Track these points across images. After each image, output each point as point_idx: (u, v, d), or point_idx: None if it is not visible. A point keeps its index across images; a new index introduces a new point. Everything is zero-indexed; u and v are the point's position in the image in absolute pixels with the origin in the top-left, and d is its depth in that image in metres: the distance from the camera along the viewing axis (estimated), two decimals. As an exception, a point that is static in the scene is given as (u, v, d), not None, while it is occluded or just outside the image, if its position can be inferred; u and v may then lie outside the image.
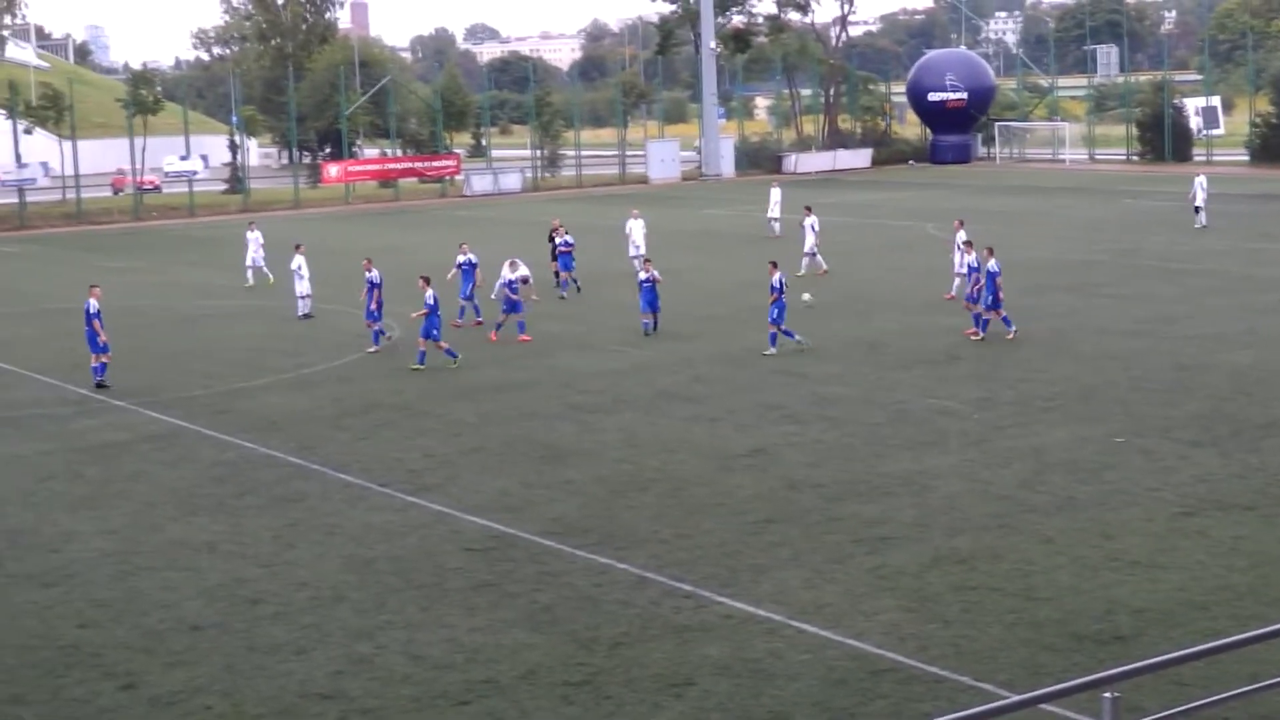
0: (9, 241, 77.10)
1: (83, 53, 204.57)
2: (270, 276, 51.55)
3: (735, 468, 26.34)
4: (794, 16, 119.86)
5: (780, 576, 20.43)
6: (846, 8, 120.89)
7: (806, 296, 40.28)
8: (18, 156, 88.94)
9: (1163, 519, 22.66)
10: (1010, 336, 37.59)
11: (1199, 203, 62.03)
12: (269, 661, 18.05)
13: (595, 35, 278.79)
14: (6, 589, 21.14)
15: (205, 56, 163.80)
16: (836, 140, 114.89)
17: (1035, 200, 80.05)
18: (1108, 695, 8.72)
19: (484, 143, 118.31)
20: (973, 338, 37.74)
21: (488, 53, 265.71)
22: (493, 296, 41.96)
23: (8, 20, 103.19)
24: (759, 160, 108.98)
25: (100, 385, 34.91)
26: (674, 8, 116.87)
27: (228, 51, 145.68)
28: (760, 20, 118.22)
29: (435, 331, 36.09)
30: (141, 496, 25.83)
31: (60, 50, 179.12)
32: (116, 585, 21.13)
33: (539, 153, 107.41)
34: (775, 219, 62.61)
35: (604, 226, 64.00)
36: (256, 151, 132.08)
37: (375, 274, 38.84)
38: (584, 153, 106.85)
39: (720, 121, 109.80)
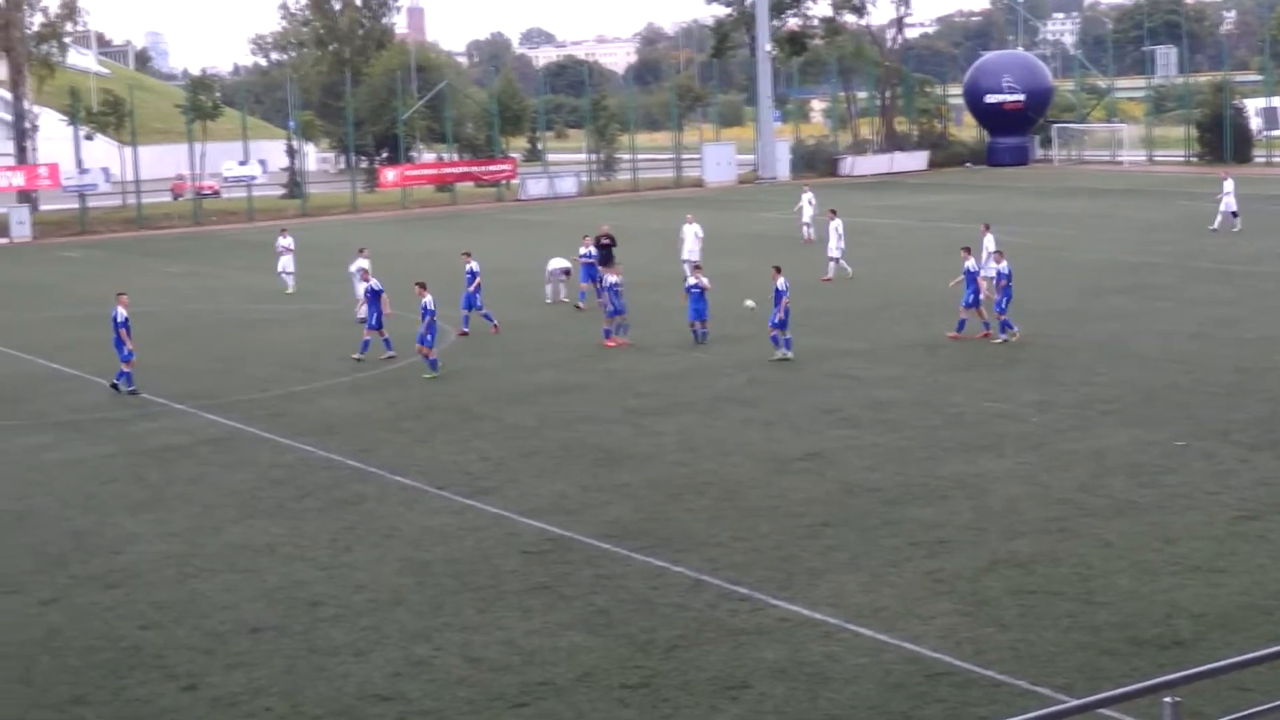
0: (71, 246, 77.77)
1: (143, 59, 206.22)
2: (289, 288, 51.66)
3: (791, 471, 26.32)
4: (850, 19, 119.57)
5: (837, 580, 20.41)
6: (902, 10, 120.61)
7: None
8: (79, 162, 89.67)
9: (1223, 523, 22.52)
10: (981, 335, 37.96)
11: (1227, 207, 61.43)
12: (328, 663, 18.16)
13: (650, 39, 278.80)
14: (70, 590, 21.33)
15: (263, 62, 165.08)
16: (893, 143, 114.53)
17: (1093, 202, 79.65)
18: (1169, 700, 8.69)
19: (540, 147, 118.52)
20: (994, 340, 37.57)
21: (543, 57, 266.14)
22: (599, 303, 41.46)
23: (69, 28, 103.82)
24: (815, 163, 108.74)
25: (132, 391, 35.08)
26: (729, 11, 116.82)
27: (285, 57, 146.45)
28: (816, 23, 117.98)
29: (429, 337, 35.78)
30: (201, 499, 26.02)
31: (120, 57, 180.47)
32: (178, 587, 21.29)
33: (594, 156, 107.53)
34: (807, 224, 62.24)
35: (659, 230, 64.06)
36: (314, 156, 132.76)
37: (374, 283, 38.67)
38: (639, 156, 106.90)
39: (776, 124, 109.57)
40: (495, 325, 42.17)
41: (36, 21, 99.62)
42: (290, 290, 51.59)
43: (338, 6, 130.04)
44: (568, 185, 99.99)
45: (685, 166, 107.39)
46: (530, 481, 26.29)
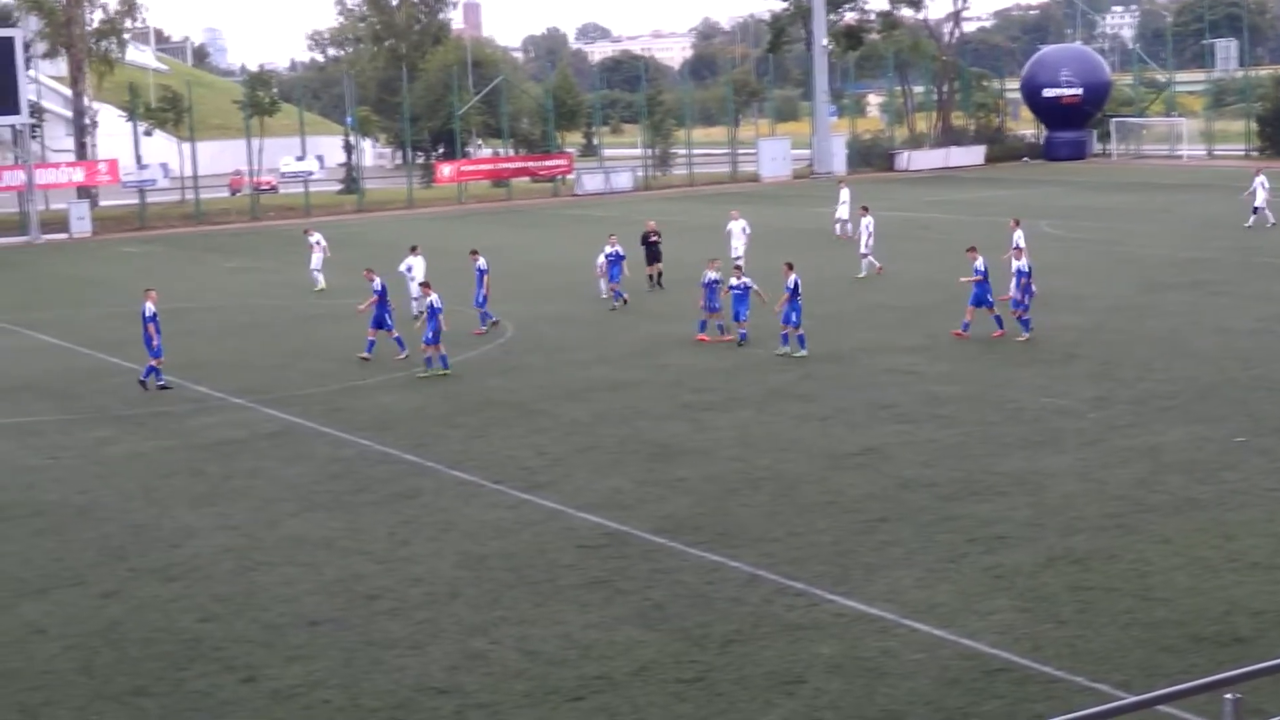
0: (130, 242, 78.32)
1: (201, 55, 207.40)
2: (318, 285, 51.85)
3: (847, 466, 26.29)
4: (907, 13, 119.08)
5: (893, 575, 20.39)
6: (960, 3, 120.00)
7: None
8: (138, 158, 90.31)
9: (1282, 519, 22.38)
10: (996, 335, 37.81)
11: (1258, 203, 60.92)
12: (386, 656, 18.25)
13: (706, 33, 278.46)
14: (130, 583, 21.51)
15: (320, 58, 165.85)
16: (950, 137, 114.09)
17: (1151, 197, 79.18)
18: (1229, 696, 8.65)
19: (595, 142, 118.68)
20: (1019, 338, 37.39)
21: (599, 52, 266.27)
22: (709, 303, 40.35)
23: (128, 24, 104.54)
24: (871, 158, 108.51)
25: (162, 386, 35.36)
26: (786, 5, 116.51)
27: (342, 53, 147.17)
28: (873, 17, 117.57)
29: (435, 336, 35.59)
30: (260, 493, 26.19)
31: (179, 53, 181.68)
32: (237, 580, 21.44)
33: (650, 152, 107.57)
34: (844, 219, 61.79)
35: (713, 225, 63.98)
36: (371, 152, 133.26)
37: (379, 282, 38.48)
38: (695, 151, 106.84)
39: (832, 119, 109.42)
40: (484, 329, 41.79)
41: (96, 18, 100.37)
42: (320, 287, 51.75)
43: (394, 2, 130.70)
44: (623, 180, 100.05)
45: (741, 162, 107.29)
46: (586, 476, 26.35)
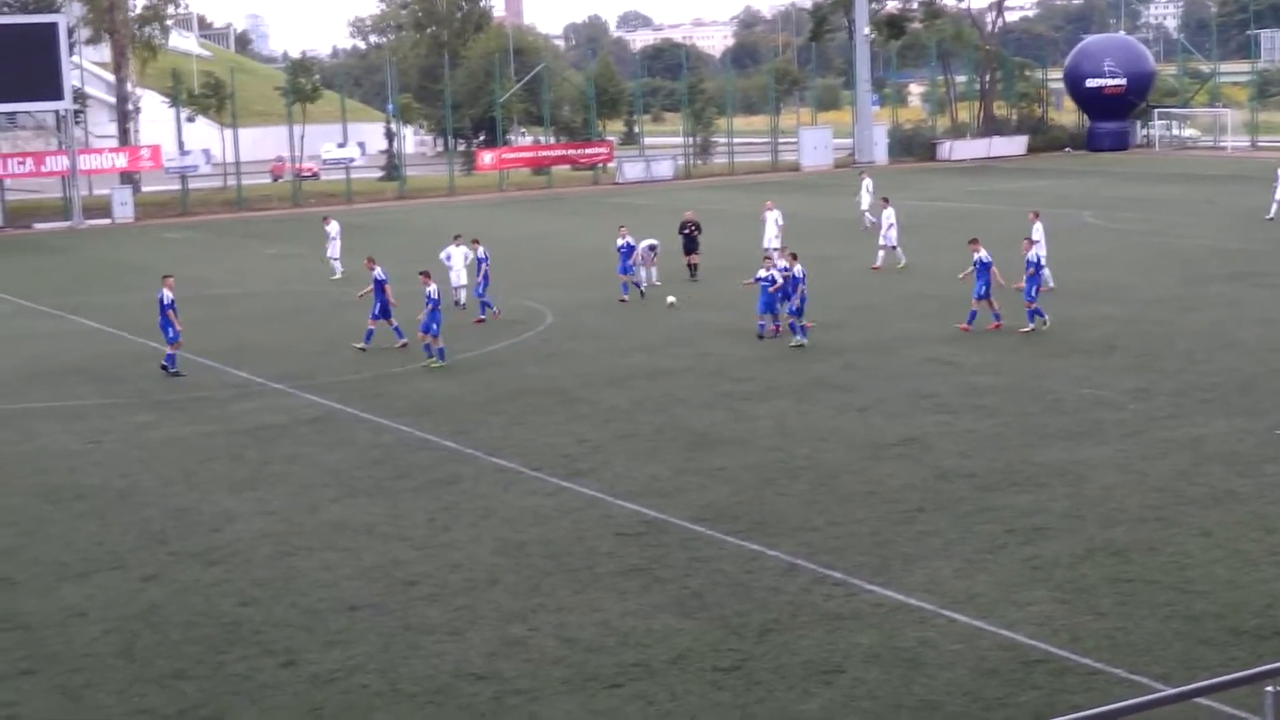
0: (172, 227, 78.70)
1: (243, 42, 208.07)
2: (336, 273, 51.92)
3: (886, 456, 26.25)
4: (949, 2, 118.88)
5: (932, 566, 20.36)
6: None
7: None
8: (181, 144, 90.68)
9: (1324, 513, 22.26)
10: (993, 326, 37.57)
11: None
12: (424, 641, 18.31)
13: (748, 22, 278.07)
14: (171, 567, 21.63)
15: (362, 45, 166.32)
16: (992, 127, 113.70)
17: (1195, 188, 78.76)
18: (1270, 689, 8.62)
19: (636, 130, 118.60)
20: (1023, 329, 37.19)
21: (640, 40, 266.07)
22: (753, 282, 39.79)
23: (171, 11, 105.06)
24: (912, 147, 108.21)
25: (175, 373, 35.56)
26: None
27: (384, 40, 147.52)
28: (915, 6, 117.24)
29: (435, 326, 35.43)
30: (300, 478, 26.29)
31: (221, 40, 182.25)
32: (276, 565, 21.54)
33: (691, 140, 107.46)
34: (866, 210, 61.40)
35: (753, 214, 63.90)
36: (412, 139, 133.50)
37: (379, 271, 38.49)
38: (736, 140, 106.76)
39: (874, 108, 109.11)
40: (483, 318, 41.85)
41: (139, 4, 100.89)
42: (337, 276, 51.71)
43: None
44: (664, 169, 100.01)
45: (782, 151, 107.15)
46: (625, 464, 26.37)
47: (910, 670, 16.93)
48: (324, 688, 17.14)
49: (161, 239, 72.33)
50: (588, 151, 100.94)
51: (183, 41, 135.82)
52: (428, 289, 35.50)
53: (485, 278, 42.32)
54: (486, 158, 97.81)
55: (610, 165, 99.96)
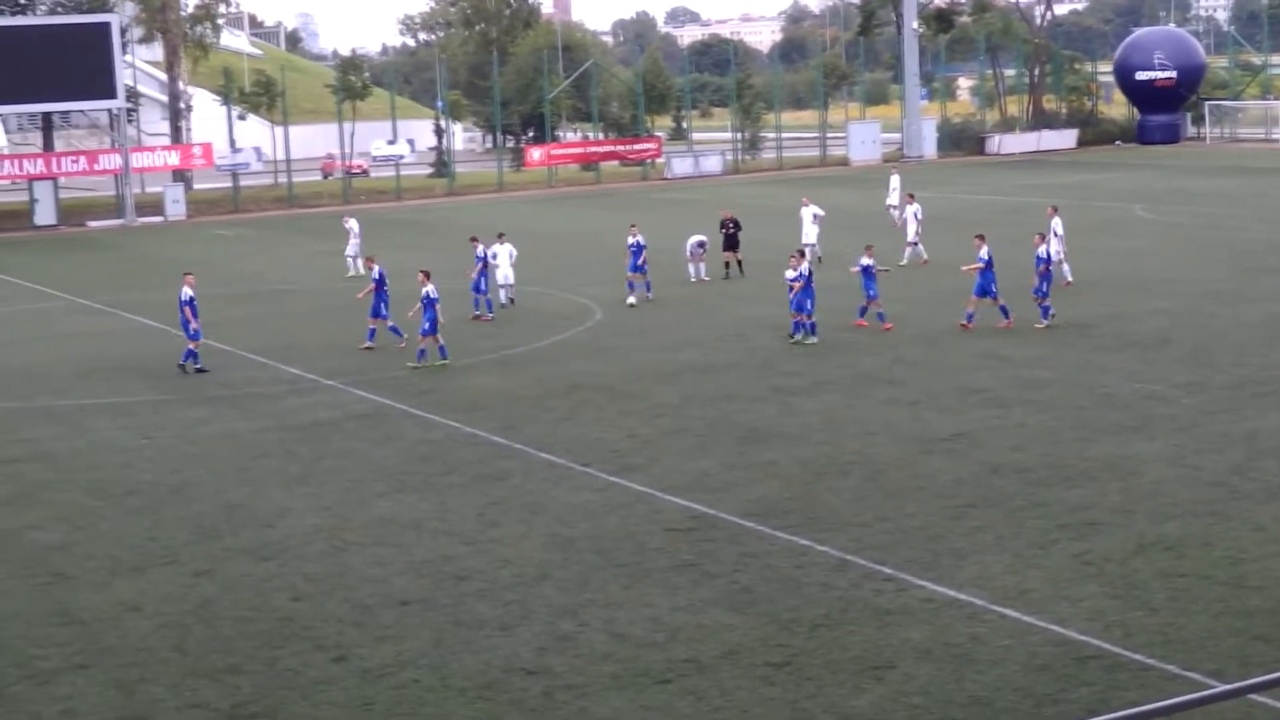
0: (224, 225, 79.08)
1: (293, 40, 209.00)
2: (350, 270, 51.93)
3: (936, 451, 26.18)
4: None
5: (982, 561, 20.30)
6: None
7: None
8: (232, 142, 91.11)
9: (1379, 508, 22.10)
10: (1003, 325, 37.25)
11: None
12: (475, 637, 18.37)
13: (796, 17, 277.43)
14: (225, 562, 21.76)
15: (411, 42, 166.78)
16: (1041, 121, 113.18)
17: (1247, 181, 78.22)
18: (1323, 685, 8.56)
19: (685, 125, 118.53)
20: (1037, 325, 36.90)
21: (688, 35, 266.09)
22: (854, 270, 38.94)
23: (222, 9, 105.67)
24: (961, 141, 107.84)
25: (200, 369, 35.83)
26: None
27: (433, 37, 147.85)
28: (963, 0, 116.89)
29: (430, 326, 35.14)
30: (351, 473, 26.39)
31: (272, 38, 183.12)
32: (328, 560, 21.64)
33: (740, 135, 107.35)
34: (894, 206, 60.50)
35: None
36: (461, 136, 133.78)
37: (378, 270, 38.48)
38: (784, 135, 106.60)
39: (922, 102, 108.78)
40: (490, 315, 41.98)
41: (191, 3, 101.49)
42: (351, 273, 51.65)
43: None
44: (712, 164, 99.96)
45: (830, 145, 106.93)
46: (674, 459, 26.38)
47: (961, 666, 16.89)
48: (375, 683, 17.22)
49: (213, 236, 72.71)
50: (636, 147, 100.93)
51: (234, 40, 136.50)
52: (425, 289, 35.27)
53: (483, 273, 42.40)
54: (535, 154, 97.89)
55: (659, 161, 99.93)
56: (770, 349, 36.13)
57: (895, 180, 62.72)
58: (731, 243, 48.53)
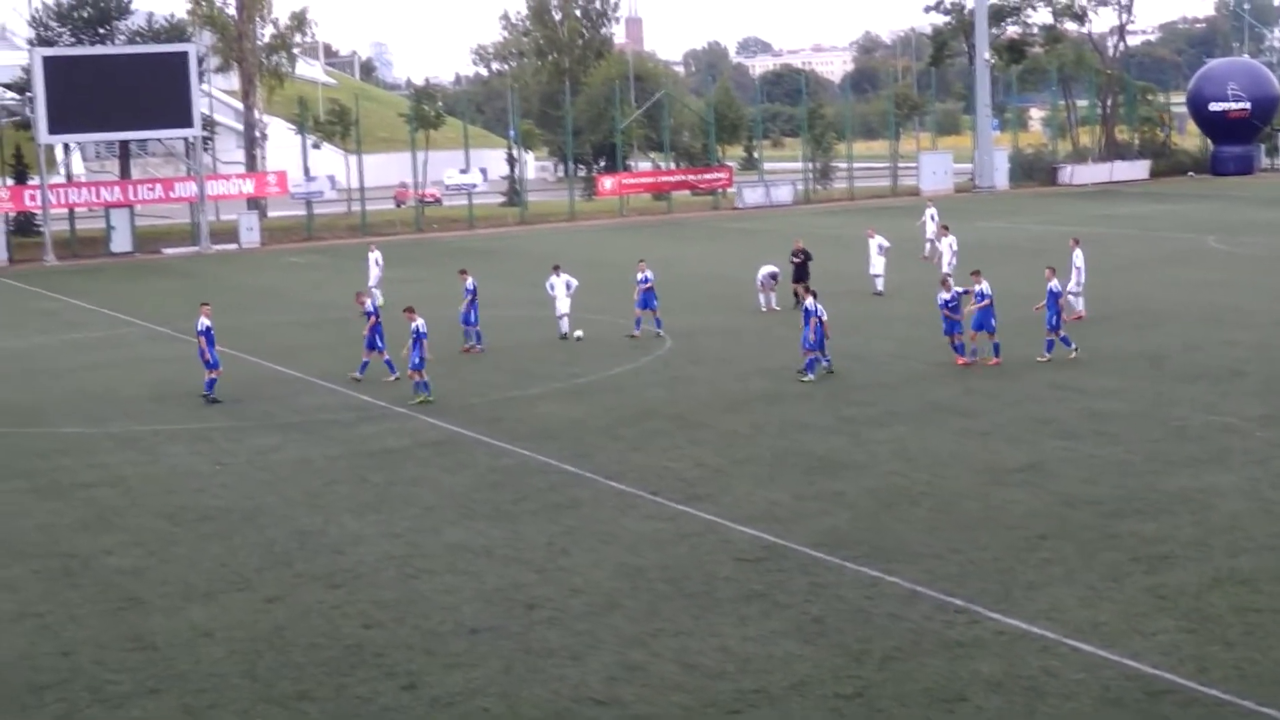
0: (297, 252, 79.63)
1: (368, 69, 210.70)
2: (379, 298, 51.93)
3: (1008, 483, 26.03)
4: (1070, 26, 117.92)
5: (1055, 593, 20.15)
6: (1124, 17, 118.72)
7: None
8: (306, 170, 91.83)
9: None
10: (1072, 355, 37.03)
11: None
12: (544, 665, 18.38)
13: (867, 47, 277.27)
14: (296, 588, 21.86)
15: (484, 72, 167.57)
16: (1113, 151, 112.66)
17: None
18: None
19: (756, 155, 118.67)
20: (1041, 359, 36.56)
21: (760, 65, 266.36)
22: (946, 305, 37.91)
23: (298, 39, 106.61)
24: (1033, 172, 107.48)
25: (212, 400, 36.03)
26: (948, 19, 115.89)
27: (506, 67, 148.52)
28: (1035, 30, 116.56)
29: (419, 361, 35.04)
30: (422, 501, 26.48)
31: (347, 68, 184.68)
32: (399, 587, 21.71)
33: (811, 165, 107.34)
34: (931, 239, 59.93)
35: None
36: (533, 165, 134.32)
37: (370, 303, 38.95)
38: (856, 165, 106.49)
39: (994, 133, 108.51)
40: (481, 347, 42.06)
41: (267, 34, 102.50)
42: (380, 303, 51.54)
43: (558, 17, 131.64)
44: (783, 194, 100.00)
45: (901, 175, 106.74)
46: (745, 489, 26.34)
47: (1033, 699, 16.77)
48: (444, 711, 17.25)
49: (287, 263, 73.22)
50: (707, 177, 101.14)
51: (309, 69, 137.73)
52: (414, 324, 35.20)
53: (474, 308, 42.37)
54: (607, 183, 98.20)
55: (730, 190, 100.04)
56: (841, 379, 36.02)
57: (930, 212, 62.69)
58: (801, 273, 48.48)
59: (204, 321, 36.19)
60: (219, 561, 23.38)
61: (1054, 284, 37.27)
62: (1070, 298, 42.00)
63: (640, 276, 43.61)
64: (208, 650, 19.45)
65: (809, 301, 36.31)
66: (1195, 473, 26.14)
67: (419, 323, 35.29)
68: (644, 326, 43.63)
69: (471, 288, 42.64)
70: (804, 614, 19.80)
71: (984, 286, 36.83)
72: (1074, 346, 37.19)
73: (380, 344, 38.05)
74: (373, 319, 38.25)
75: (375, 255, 53.94)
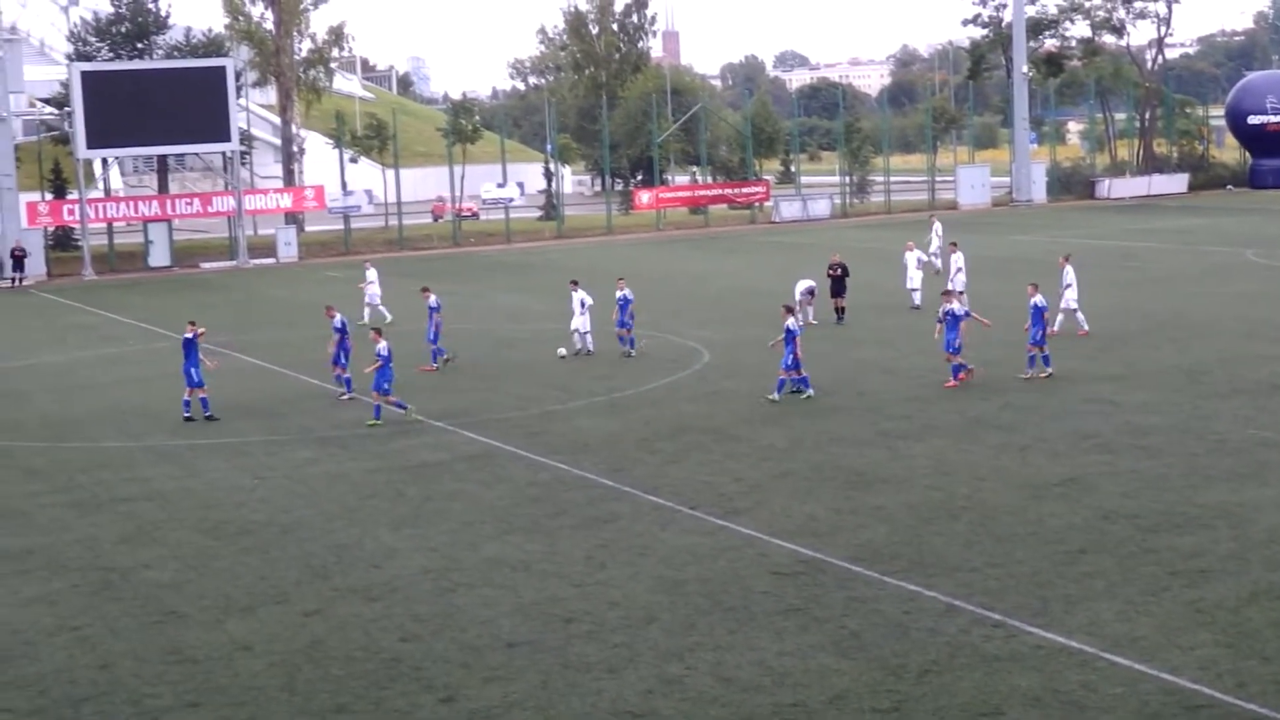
0: (334, 266, 79.89)
1: (405, 84, 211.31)
2: (388, 316, 51.92)
3: (1047, 497, 25.97)
4: (1108, 39, 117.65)
5: (1093, 608, 20.10)
6: (1163, 30, 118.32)
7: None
8: (344, 184, 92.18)
9: None
10: (1044, 375, 36.70)
11: None
12: (582, 679, 18.40)
13: (905, 61, 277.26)
14: (334, 602, 21.93)
15: (521, 86, 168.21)
16: (1152, 165, 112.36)
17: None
18: None
19: (793, 169, 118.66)
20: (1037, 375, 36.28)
21: (797, 79, 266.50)
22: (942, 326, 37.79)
23: (335, 54, 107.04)
24: (1071, 185, 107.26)
25: (188, 419, 36.16)
26: (986, 33, 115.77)
27: (543, 81, 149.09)
28: (1074, 44, 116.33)
29: (386, 385, 34.68)
30: (459, 515, 26.54)
31: (384, 82, 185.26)
32: (436, 601, 21.76)
33: (848, 179, 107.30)
34: (935, 255, 59.84)
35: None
36: (570, 179, 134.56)
37: (339, 319, 38.84)
38: (893, 178, 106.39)
39: (1032, 146, 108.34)
40: (435, 366, 42.00)
41: (305, 48, 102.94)
42: (389, 320, 51.42)
43: (595, 31, 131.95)
44: (821, 208, 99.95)
45: (939, 189, 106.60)
46: (782, 503, 26.33)
47: (1071, 713, 16.72)
48: (483, 723, 17.28)
49: (324, 277, 73.47)
50: (744, 190, 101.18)
51: (346, 84, 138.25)
52: (378, 346, 34.88)
53: (436, 326, 42.41)
54: (644, 197, 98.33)
55: (767, 204, 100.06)
56: (878, 392, 35.99)
57: (937, 227, 62.68)
58: (839, 287, 48.50)
59: (189, 337, 36.32)
60: (257, 575, 23.47)
61: (1037, 299, 36.98)
62: (1061, 315, 42.04)
63: (619, 295, 43.23)
64: (246, 663, 19.52)
65: (789, 321, 35.88)
66: (1233, 487, 26.04)
67: (382, 345, 34.85)
68: (639, 345, 43.56)
69: (435, 304, 42.69)
70: (841, 628, 19.78)
71: (953, 307, 36.66)
72: (1050, 369, 36.84)
73: (343, 360, 38.09)
74: (339, 335, 38.34)
75: (371, 272, 54.16)
